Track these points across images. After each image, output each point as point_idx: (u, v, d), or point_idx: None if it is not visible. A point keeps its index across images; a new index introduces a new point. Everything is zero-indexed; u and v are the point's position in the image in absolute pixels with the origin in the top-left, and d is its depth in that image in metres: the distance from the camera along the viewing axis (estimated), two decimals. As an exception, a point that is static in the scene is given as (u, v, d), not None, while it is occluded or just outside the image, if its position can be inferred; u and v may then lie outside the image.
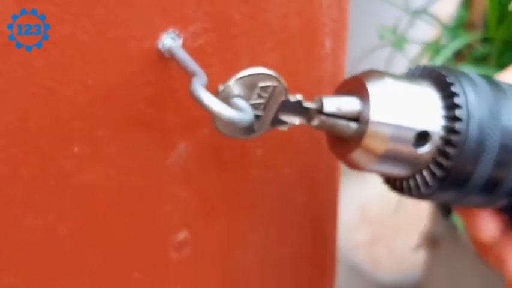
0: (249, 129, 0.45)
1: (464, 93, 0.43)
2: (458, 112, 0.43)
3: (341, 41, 0.55)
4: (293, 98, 0.45)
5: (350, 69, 1.17)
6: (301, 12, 0.51)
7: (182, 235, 0.55)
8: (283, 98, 0.45)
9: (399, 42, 1.02)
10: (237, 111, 0.41)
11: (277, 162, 0.57)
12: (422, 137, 0.43)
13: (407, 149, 0.43)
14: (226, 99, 0.43)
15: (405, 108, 0.43)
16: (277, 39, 0.51)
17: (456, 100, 0.43)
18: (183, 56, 0.44)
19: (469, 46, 1.04)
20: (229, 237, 0.59)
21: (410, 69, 0.48)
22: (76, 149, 0.46)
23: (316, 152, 0.60)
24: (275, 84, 0.44)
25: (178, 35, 0.46)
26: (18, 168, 0.44)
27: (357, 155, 0.44)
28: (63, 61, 0.42)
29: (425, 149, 0.44)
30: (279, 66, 0.52)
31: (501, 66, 1.00)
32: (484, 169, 0.43)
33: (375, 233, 1.40)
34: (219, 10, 0.47)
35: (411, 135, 0.43)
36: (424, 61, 1.14)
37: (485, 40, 1.04)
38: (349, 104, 0.44)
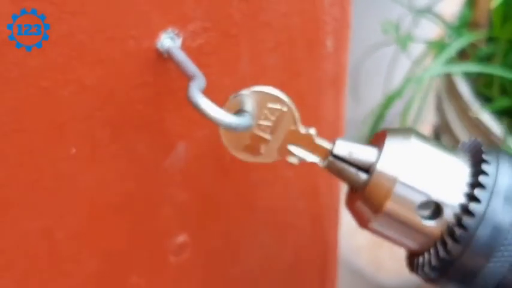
0: (255, 149, 0.44)
1: (497, 174, 0.39)
2: (477, 191, 0.39)
3: (343, 40, 0.55)
4: (304, 130, 0.44)
5: (353, 68, 1.17)
6: (303, 11, 0.51)
7: (181, 238, 0.55)
8: (292, 128, 0.44)
9: (404, 40, 1.02)
10: (235, 116, 0.41)
11: (278, 165, 0.57)
12: (430, 206, 0.40)
13: (411, 214, 0.40)
14: (233, 108, 0.43)
15: (420, 170, 0.40)
16: (278, 38, 0.51)
17: (481, 179, 0.39)
18: (181, 57, 0.44)
19: (473, 45, 1.04)
20: (229, 241, 0.59)
21: (462, 143, 0.45)
22: (73, 151, 0.45)
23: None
24: (284, 109, 0.44)
25: (177, 35, 0.45)
26: (14, 170, 0.44)
27: (360, 207, 0.43)
28: (60, 61, 0.42)
29: (433, 223, 0.40)
30: (280, 66, 0.52)
31: (507, 66, 1.00)
32: (497, 268, 0.39)
33: (377, 236, 1.40)
34: (218, 9, 0.47)
35: (417, 199, 0.40)
36: (428, 60, 1.13)
37: (490, 39, 1.04)
38: (363, 152, 0.42)
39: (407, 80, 1.00)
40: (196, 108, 0.40)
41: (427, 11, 1.10)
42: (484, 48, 1.03)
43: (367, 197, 0.42)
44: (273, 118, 0.44)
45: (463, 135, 1.06)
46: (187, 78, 0.42)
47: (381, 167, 0.41)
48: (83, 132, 0.45)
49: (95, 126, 0.46)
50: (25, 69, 0.41)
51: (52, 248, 0.48)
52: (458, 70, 1.03)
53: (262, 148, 0.44)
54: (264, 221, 0.60)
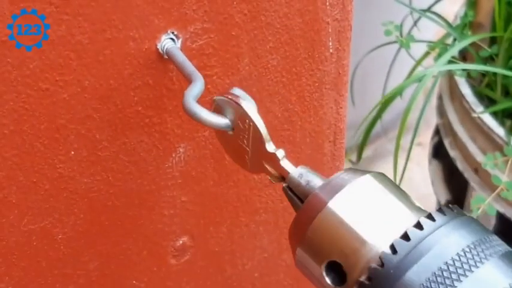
0: (244, 160, 0.43)
1: (434, 232, 0.35)
2: (396, 242, 0.35)
3: (345, 41, 0.55)
4: (271, 148, 0.41)
5: (354, 69, 1.17)
6: (304, 12, 0.51)
7: (182, 241, 0.55)
8: (261, 144, 0.41)
9: (406, 41, 1.02)
10: (217, 116, 0.42)
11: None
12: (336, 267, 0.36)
13: (318, 272, 0.37)
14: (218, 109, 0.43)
15: (350, 212, 0.37)
16: (279, 39, 0.51)
17: (410, 230, 0.35)
18: (181, 58, 0.44)
19: (475, 46, 1.04)
20: (230, 243, 0.59)
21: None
22: (72, 153, 0.45)
23: (319, 157, 0.60)
24: (251, 123, 0.41)
25: (177, 36, 0.45)
26: (14, 172, 0.44)
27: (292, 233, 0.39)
28: (60, 62, 0.42)
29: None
30: (281, 67, 0.52)
31: (510, 66, 1.00)
32: None
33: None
34: (219, 10, 0.47)
35: (323, 259, 0.37)
36: (429, 61, 1.13)
37: (493, 40, 1.04)
38: (311, 183, 0.40)
39: (408, 79, 1.01)
40: (192, 118, 0.41)
41: (428, 12, 1.10)
42: (487, 49, 1.03)
43: (292, 230, 0.39)
44: (246, 129, 0.42)
45: (466, 137, 1.07)
46: (186, 80, 0.43)
47: (311, 198, 0.38)
48: (82, 133, 0.45)
49: (94, 127, 0.45)
50: (24, 71, 0.41)
51: (51, 250, 0.48)
52: (460, 69, 1.03)
53: (246, 159, 0.43)
54: (265, 223, 0.60)
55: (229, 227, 0.58)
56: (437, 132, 1.21)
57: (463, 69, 1.03)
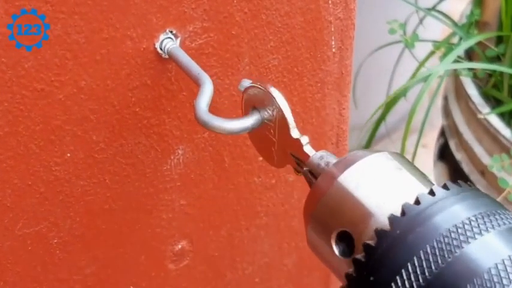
0: (270, 152, 0.44)
1: (443, 199, 0.35)
2: (407, 206, 0.35)
3: (347, 40, 0.55)
4: (296, 134, 0.43)
5: (357, 69, 1.17)
6: (305, 10, 0.51)
7: (180, 245, 0.55)
8: (287, 131, 0.43)
9: (411, 40, 1.02)
10: (235, 121, 0.42)
11: (281, 169, 0.57)
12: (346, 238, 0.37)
13: (328, 243, 0.38)
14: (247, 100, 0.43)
15: (365, 183, 0.37)
16: (280, 38, 0.51)
17: (421, 195, 0.35)
18: (185, 59, 0.44)
19: (482, 45, 1.03)
20: (230, 247, 0.59)
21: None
22: (68, 155, 0.45)
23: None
24: (275, 109, 0.43)
25: (176, 35, 0.45)
26: (8, 174, 0.44)
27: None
28: (55, 62, 0.42)
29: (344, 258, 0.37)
30: (282, 67, 0.52)
31: (516, 66, 0.99)
32: None
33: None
34: (219, 8, 0.47)
35: (334, 228, 0.37)
36: (434, 61, 1.13)
37: (499, 39, 1.04)
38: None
39: (413, 79, 1.00)
40: (207, 128, 0.41)
41: (433, 10, 1.10)
42: (493, 48, 1.03)
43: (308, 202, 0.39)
44: (273, 118, 0.43)
45: (472, 139, 1.06)
46: (192, 82, 0.43)
47: (324, 174, 0.39)
48: (78, 135, 0.45)
49: (91, 129, 0.45)
50: (19, 71, 0.41)
51: (47, 254, 0.48)
52: (466, 69, 1.03)
53: (272, 152, 0.44)
54: (266, 226, 0.60)
55: (229, 231, 0.58)
56: (442, 133, 1.21)
57: (469, 69, 1.03)
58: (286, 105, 0.42)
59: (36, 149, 0.44)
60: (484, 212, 0.35)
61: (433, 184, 0.37)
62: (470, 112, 1.06)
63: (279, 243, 0.62)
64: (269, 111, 0.43)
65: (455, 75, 1.10)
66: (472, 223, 0.34)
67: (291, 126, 0.43)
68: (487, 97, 1.05)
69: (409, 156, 1.01)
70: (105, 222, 0.50)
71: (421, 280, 0.33)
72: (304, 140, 0.43)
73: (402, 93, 0.99)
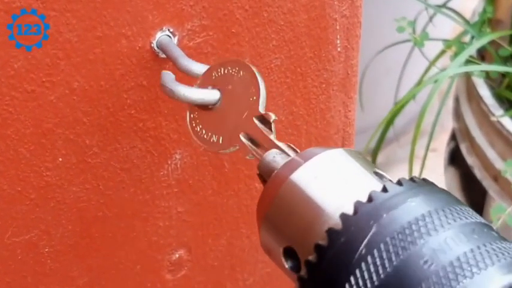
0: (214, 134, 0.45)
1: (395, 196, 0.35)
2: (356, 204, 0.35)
3: (354, 39, 0.55)
4: (262, 109, 0.43)
5: (364, 70, 1.17)
6: (309, 8, 0.51)
7: (178, 254, 0.55)
8: (253, 104, 0.43)
9: (420, 38, 1.02)
10: (203, 90, 0.44)
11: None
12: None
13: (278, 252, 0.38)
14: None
15: (315, 180, 0.38)
16: (283, 37, 0.51)
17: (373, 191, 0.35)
18: (177, 52, 0.44)
19: (495, 44, 1.03)
20: (230, 257, 0.59)
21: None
22: (60, 159, 0.45)
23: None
24: (243, 73, 0.43)
25: (173, 33, 0.45)
26: (-3, 180, 0.44)
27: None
28: (46, 62, 0.42)
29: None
30: (285, 67, 0.52)
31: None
32: None
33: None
34: (218, 5, 0.47)
35: (280, 243, 0.38)
36: (445, 60, 1.13)
37: (513, 38, 1.04)
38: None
39: (423, 81, 1.01)
40: (170, 95, 0.43)
41: (444, 7, 1.10)
42: (507, 48, 1.03)
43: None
44: (239, 95, 0.43)
45: (484, 142, 1.06)
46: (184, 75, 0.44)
47: (274, 175, 0.39)
48: (70, 139, 0.45)
49: (84, 132, 0.45)
50: (8, 71, 0.41)
51: (38, 264, 0.48)
52: (479, 70, 1.03)
53: (220, 132, 0.44)
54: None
55: (229, 240, 0.58)
56: (453, 137, 1.21)
57: (481, 70, 1.03)
58: (262, 79, 0.43)
59: (27, 153, 0.44)
60: (439, 208, 0.35)
61: (391, 181, 0.38)
62: (483, 114, 1.06)
63: (282, 252, 0.61)
64: (231, 88, 0.44)
65: (467, 75, 1.10)
66: (427, 219, 0.34)
67: (261, 103, 0.43)
68: (500, 98, 1.05)
69: (418, 161, 1.01)
70: (98, 230, 0.50)
71: (375, 279, 0.33)
72: (272, 116, 0.42)
73: (411, 95, 0.99)
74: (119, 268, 0.53)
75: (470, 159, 1.11)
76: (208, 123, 0.44)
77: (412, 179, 0.37)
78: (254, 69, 0.43)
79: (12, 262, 0.47)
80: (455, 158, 1.21)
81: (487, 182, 1.07)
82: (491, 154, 1.05)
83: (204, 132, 0.45)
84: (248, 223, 0.58)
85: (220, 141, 0.44)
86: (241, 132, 0.43)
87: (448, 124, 1.27)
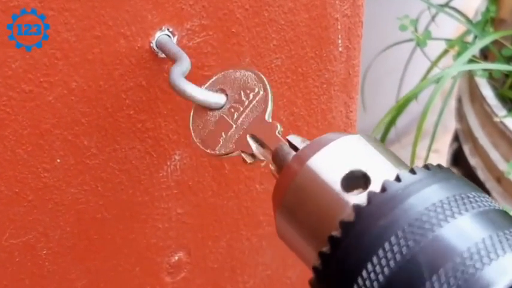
0: (215, 137, 0.45)
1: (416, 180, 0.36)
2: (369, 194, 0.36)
3: (355, 38, 0.55)
4: (269, 118, 0.43)
5: (365, 70, 1.17)
6: (310, 7, 0.51)
7: (177, 257, 0.55)
8: (260, 115, 0.44)
9: (423, 38, 1.02)
10: (211, 93, 0.44)
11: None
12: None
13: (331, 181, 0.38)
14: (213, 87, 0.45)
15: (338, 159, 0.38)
16: (284, 36, 0.51)
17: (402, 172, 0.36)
18: (174, 48, 0.44)
19: (498, 44, 1.03)
20: (230, 259, 0.59)
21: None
22: (58, 161, 0.45)
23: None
24: (261, 92, 0.44)
25: (172, 33, 0.45)
26: (-6, 181, 0.44)
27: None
28: (44, 62, 0.42)
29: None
30: (285, 67, 0.52)
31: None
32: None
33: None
34: (218, 4, 0.47)
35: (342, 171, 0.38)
36: (448, 60, 1.13)
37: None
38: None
39: (425, 80, 1.00)
40: (178, 92, 0.43)
41: (447, 7, 1.10)
42: (510, 47, 1.03)
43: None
44: (246, 100, 0.44)
45: (487, 143, 1.06)
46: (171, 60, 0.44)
47: (292, 159, 0.40)
48: (68, 140, 0.45)
49: (82, 133, 0.45)
50: (6, 71, 0.41)
51: (35, 266, 0.48)
52: (482, 69, 1.03)
53: (222, 136, 0.44)
54: (269, 237, 0.60)
55: (229, 242, 0.58)
56: (456, 138, 1.21)
57: (484, 69, 1.03)
58: (270, 89, 0.44)
59: (24, 155, 0.44)
60: (458, 195, 0.36)
61: (406, 165, 0.38)
62: (486, 115, 1.05)
63: (282, 254, 0.61)
64: (240, 94, 0.44)
65: (470, 75, 1.10)
66: (444, 206, 0.35)
67: (268, 110, 0.43)
68: (503, 99, 1.05)
69: (420, 162, 1.01)
70: (97, 232, 0.50)
71: (391, 263, 0.34)
72: (278, 126, 0.43)
73: (413, 95, 0.99)
74: (117, 270, 0.53)
75: (473, 160, 1.10)
76: (212, 125, 0.45)
77: (426, 167, 0.37)
78: (264, 78, 0.44)
79: (9, 264, 0.47)
80: (457, 159, 1.21)
81: (490, 184, 1.07)
82: (494, 155, 1.05)
83: (206, 132, 0.45)
84: (248, 225, 0.58)
85: (223, 143, 0.44)
86: (249, 137, 0.43)
87: (450, 125, 1.27)
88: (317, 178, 0.38)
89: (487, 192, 1.07)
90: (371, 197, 0.35)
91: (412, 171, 0.36)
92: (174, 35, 0.46)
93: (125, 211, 0.50)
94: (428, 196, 0.35)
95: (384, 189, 0.35)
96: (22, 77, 0.41)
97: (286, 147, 0.41)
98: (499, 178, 1.05)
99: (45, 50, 0.41)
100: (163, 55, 0.45)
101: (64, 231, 0.48)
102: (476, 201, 0.36)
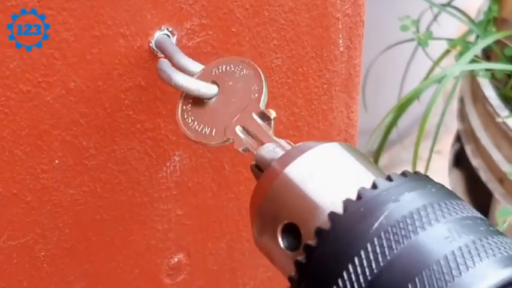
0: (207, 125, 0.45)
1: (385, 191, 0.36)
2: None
3: (356, 38, 0.55)
4: (263, 106, 0.44)
5: (367, 70, 1.17)
6: (311, 6, 0.51)
7: (177, 258, 0.55)
8: (254, 102, 0.44)
9: (424, 37, 1.02)
10: (204, 83, 0.44)
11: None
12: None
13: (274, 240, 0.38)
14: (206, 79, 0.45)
15: (311, 173, 0.38)
16: (284, 36, 0.51)
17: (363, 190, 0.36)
18: (173, 49, 0.45)
19: (500, 44, 1.03)
20: (230, 261, 0.59)
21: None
22: (57, 161, 0.45)
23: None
24: (255, 83, 0.44)
25: (172, 32, 0.45)
26: (-8, 182, 0.44)
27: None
28: (43, 62, 0.42)
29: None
30: (286, 67, 0.52)
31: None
32: None
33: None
34: (218, 4, 0.47)
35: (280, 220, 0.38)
36: (450, 60, 1.13)
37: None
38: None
39: (426, 81, 1.00)
40: (166, 80, 0.43)
41: (448, 6, 1.10)
42: (513, 47, 1.03)
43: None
44: (239, 91, 0.44)
45: (490, 144, 1.06)
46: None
47: (270, 167, 0.40)
48: (67, 140, 0.45)
49: (81, 134, 0.45)
50: (3, 71, 0.41)
51: (34, 268, 0.48)
52: (484, 70, 1.03)
53: (213, 125, 0.44)
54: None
55: (229, 243, 0.58)
56: (458, 139, 1.21)
57: (487, 70, 1.03)
58: (265, 78, 0.44)
59: (22, 155, 0.44)
60: (435, 202, 0.36)
61: (383, 174, 0.38)
62: (488, 115, 1.05)
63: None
64: (233, 85, 0.45)
65: (472, 75, 1.10)
66: (421, 213, 0.35)
67: (262, 98, 0.44)
68: (506, 99, 1.05)
69: (422, 163, 1.01)
70: (96, 233, 0.50)
71: (367, 272, 0.34)
72: (273, 113, 0.43)
73: (415, 96, 0.99)
74: (116, 272, 0.53)
75: (476, 162, 1.10)
76: (201, 115, 0.45)
77: (403, 173, 0.37)
78: (257, 67, 0.44)
79: (7, 266, 0.47)
80: (460, 160, 1.21)
81: (492, 185, 1.07)
82: (496, 156, 1.05)
83: (195, 123, 0.45)
84: (249, 226, 0.58)
85: (213, 134, 0.44)
86: (238, 126, 0.44)
87: (452, 125, 1.27)
88: (294, 186, 0.38)
89: (489, 193, 1.07)
90: (346, 204, 0.35)
91: (389, 178, 0.36)
92: (173, 35, 0.46)
93: (124, 212, 0.50)
94: (405, 203, 0.35)
95: (359, 196, 0.35)
96: (20, 77, 0.41)
97: (268, 150, 0.41)
98: (502, 179, 1.05)
99: (44, 50, 0.41)
100: (162, 55, 0.45)
101: (62, 233, 0.48)
102: (454, 208, 0.36)
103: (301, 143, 0.40)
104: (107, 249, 0.51)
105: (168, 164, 0.50)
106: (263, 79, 0.44)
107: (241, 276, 0.61)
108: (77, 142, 0.46)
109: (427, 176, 0.38)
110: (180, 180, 0.52)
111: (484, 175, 1.08)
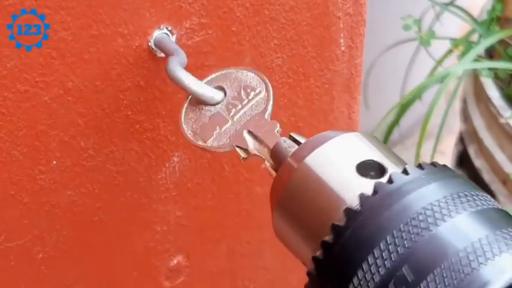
0: (208, 131, 0.45)
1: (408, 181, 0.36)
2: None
3: (358, 37, 0.55)
4: (269, 117, 0.44)
5: (368, 69, 1.17)
6: (312, 5, 0.51)
7: (176, 260, 0.55)
8: (259, 112, 0.44)
9: (427, 37, 1.02)
10: (210, 88, 0.44)
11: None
12: None
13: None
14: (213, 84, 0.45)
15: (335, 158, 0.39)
16: (285, 35, 0.51)
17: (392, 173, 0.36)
18: (170, 44, 0.45)
19: (503, 43, 1.03)
20: (230, 263, 0.59)
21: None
22: (54, 162, 0.45)
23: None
24: (262, 93, 0.45)
25: (171, 32, 0.45)
26: (-12, 184, 0.44)
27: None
28: (40, 61, 0.42)
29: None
30: (286, 66, 0.52)
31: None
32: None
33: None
34: (218, 3, 0.47)
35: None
36: (452, 60, 1.13)
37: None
38: None
39: (429, 80, 1.00)
40: (177, 83, 0.43)
41: (451, 5, 1.10)
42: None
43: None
44: (245, 99, 0.45)
45: (493, 145, 1.06)
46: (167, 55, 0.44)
47: (290, 157, 0.40)
48: (65, 141, 0.45)
49: (79, 134, 0.45)
50: (1, 71, 0.41)
51: (31, 270, 0.48)
52: (487, 69, 1.03)
53: (216, 130, 0.45)
54: (270, 241, 0.60)
55: (229, 245, 0.58)
56: (461, 139, 1.21)
57: (490, 69, 1.03)
58: (272, 90, 0.45)
59: (20, 156, 0.44)
60: (456, 194, 0.36)
61: (407, 164, 0.38)
62: (491, 116, 1.05)
63: (283, 258, 0.61)
64: (240, 92, 0.45)
65: (475, 75, 1.10)
66: (442, 205, 0.35)
67: (269, 110, 0.44)
68: (509, 99, 1.05)
69: (424, 164, 1.01)
70: (94, 235, 0.50)
71: (387, 263, 0.34)
72: (277, 124, 0.44)
73: (417, 95, 0.99)
74: (115, 275, 0.53)
75: (478, 162, 1.10)
76: (205, 120, 0.45)
77: (433, 164, 0.37)
78: (264, 76, 0.45)
79: (5, 268, 0.47)
80: (462, 161, 1.21)
81: (495, 186, 1.07)
82: (499, 157, 1.05)
83: (199, 128, 0.45)
84: (249, 228, 0.58)
85: (217, 140, 0.44)
86: (245, 132, 0.44)
87: (455, 126, 1.27)
88: (315, 176, 0.38)
89: (492, 194, 1.07)
90: (377, 187, 0.36)
91: (420, 167, 0.37)
92: (172, 34, 0.45)
93: (123, 214, 0.50)
94: (429, 194, 0.36)
95: (390, 181, 0.36)
96: (17, 76, 0.41)
97: (285, 143, 0.42)
98: (505, 180, 1.05)
99: (41, 49, 0.41)
100: (161, 54, 0.45)
101: (60, 235, 0.48)
102: (475, 199, 0.36)
103: (320, 134, 0.41)
104: (105, 251, 0.51)
105: (167, 165, 0.50)
106: (271, 91, 0.44)
107: (241, 278, 0.60)
108: (75, 143, 0.45)
109: (446, 167, 0.38)
110: (179, 182, 0.52)
111: (487, 176, 1.08)
